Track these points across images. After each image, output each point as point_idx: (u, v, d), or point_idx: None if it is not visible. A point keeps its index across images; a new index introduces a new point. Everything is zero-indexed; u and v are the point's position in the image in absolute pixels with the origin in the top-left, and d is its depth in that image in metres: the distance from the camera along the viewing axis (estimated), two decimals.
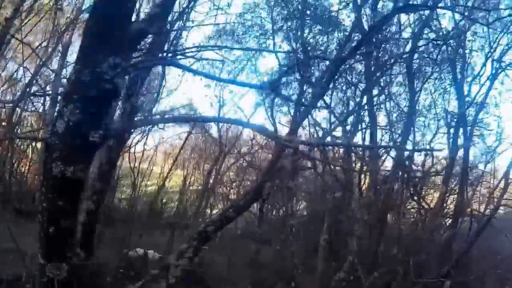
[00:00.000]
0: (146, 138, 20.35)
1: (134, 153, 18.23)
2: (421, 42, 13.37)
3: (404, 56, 12.49)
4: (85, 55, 3.38)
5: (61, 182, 3.42)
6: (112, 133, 3.52)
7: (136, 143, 16.23)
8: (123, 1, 3.33)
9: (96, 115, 3.34)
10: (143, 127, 15.96)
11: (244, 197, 6.99)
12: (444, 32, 13.35)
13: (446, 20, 14.29)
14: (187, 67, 4.04)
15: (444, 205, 15.83)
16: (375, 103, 14.62)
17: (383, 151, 14.38)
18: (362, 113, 14.46)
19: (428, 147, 17.27)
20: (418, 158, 17.16)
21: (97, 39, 3.35)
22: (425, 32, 13.60)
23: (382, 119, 16.13)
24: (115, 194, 20.85)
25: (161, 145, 26.82)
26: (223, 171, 23.60)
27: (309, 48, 13.68)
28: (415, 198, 16.35)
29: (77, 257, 7.50)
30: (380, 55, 12.46)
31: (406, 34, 13.55)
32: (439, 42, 11.93)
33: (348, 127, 15.26)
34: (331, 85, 14.34)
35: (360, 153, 14.74)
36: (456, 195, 15.72)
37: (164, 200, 25.47)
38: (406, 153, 15.75)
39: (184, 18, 10.40)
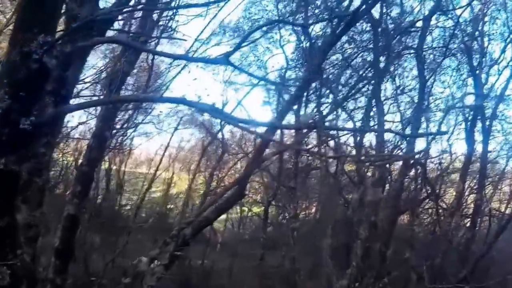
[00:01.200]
0: (132, 139, 19.90)
1: (118, 153, 18.03)
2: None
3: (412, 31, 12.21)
4: (16, 35, 3.24)
5: None
6: (44, 121, 3.34)
7: (121, 143, 16.01)
8: None
9: (26, 100, 3.18)
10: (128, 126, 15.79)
11: (223, 195, 6.73)
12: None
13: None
14: (133, 43, 3.86)
15: (462, 204, 15.38)
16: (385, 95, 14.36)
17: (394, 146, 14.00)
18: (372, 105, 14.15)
19: (446, 144, 16.90)
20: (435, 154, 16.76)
21: (27, 19, 3.23)
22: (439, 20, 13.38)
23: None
24: (115, 200, 20.86)
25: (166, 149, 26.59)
26: (226, 172, 23.42)
27: (313, 41, 13.54)
28: (432, 197, 15.94)
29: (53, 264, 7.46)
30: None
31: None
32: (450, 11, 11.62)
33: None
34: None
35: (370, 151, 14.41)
36: (475, 194, 15.21)
37: (169, 206, 25.47)
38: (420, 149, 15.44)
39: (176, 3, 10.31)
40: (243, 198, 8.16)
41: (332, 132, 12.36)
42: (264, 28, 13.00)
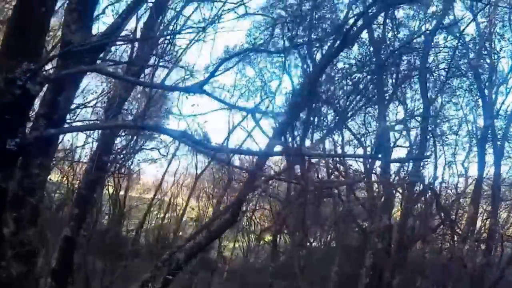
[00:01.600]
0: (131, 163, 19.98)
1: (119, 177, 18.40)
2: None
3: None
4: (1, 61, 3.71)
5: None
6: (29, 142, 3.77)
7: (120, 168, 16.34)
8: (37, 10, 3.68)
9: (11, 122, 3.61)
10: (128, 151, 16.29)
11: (215, 220, 7.05)
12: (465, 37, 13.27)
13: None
14: (112, 73, 4.31)
15: (481, 229, 15.32)
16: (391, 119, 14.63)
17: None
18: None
19: (461, 167, 16.89)
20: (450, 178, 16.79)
21: (12, 46, 3.70)
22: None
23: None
24: (122, 225, 21.25)
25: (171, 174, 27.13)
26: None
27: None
28: (447, 223, 15.88)
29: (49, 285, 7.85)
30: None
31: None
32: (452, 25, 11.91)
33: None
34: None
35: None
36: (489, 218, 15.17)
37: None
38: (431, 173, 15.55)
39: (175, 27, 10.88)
40: (235, 224, 8.40)
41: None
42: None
